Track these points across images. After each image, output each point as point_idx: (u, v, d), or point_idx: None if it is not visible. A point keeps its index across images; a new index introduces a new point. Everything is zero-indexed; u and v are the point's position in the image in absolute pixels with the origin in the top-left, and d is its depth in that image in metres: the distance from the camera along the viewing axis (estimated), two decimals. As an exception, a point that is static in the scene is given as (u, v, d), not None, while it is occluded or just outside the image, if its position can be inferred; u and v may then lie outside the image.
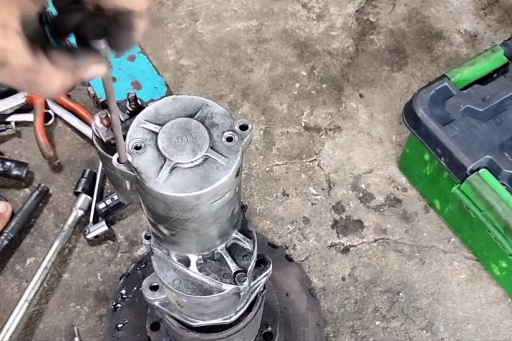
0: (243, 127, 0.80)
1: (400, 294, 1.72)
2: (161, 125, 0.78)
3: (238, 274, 0.95)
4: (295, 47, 2.08)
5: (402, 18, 2.14)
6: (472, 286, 1.74)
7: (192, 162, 0.76)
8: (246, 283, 0.95)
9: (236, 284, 0.95)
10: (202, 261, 0.95)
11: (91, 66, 0.67)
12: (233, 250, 0.97)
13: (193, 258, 0.94)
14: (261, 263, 1.08)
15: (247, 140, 0.80)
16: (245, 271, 0.96)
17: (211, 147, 0.77)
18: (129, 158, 0.75)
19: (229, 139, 0.78)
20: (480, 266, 1.76)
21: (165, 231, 0.87)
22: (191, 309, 1.04)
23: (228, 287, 0.95)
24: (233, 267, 0.95)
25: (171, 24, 2.11)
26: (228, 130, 0.79)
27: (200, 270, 0.95)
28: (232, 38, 2.09)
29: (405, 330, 1.68)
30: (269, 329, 1.53)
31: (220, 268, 0.96)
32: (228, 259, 0.95)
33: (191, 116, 0.79)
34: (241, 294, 0.98)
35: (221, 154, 0.77)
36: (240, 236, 0.97)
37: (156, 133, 0.77)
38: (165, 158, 0.75)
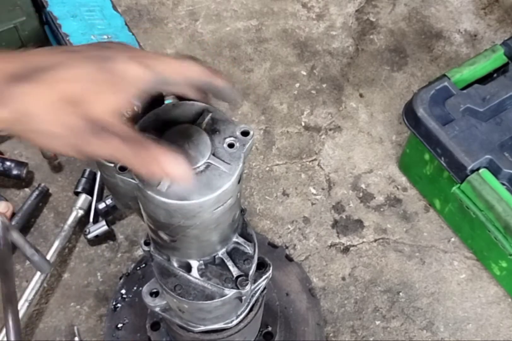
0: (245, 133, 0.79)
1: (400, 294, 1.72)
2: (163, 131, 0.78)
3: (239, 278, 0.95)
4: (295, 47, 2.08)
5: (402, 18, 2.14)
6: (472, 285, 1.74)
7: (194, 169, 0.75)
8: (248, 287, 0.95)
9: (238, 288, 0.94)
10: (203, 266, 0.95)
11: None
12: (234, 254, 0.97)
13: (194, 264, 0.94)
14: (261, 266, 1.08)
15: (249, 146, 0.79)
16: (246, 275, 0.96)
17: (213, 154, 0.77)
18: None
19: (231, 145, 0.78)
20: (480, 265, 1.76)
21: (165, 237, 0.86)
22: (193, 314, 1.04)
23: (230, 292, 0.95)
24: (234, 271, 0.95)
25: (171, 24, 2.11)
26: (230, 137, 0.79)
27: (201, 275, 0.94)
28: (232, 38, 2.09)
29: (405, 330, 1.68)
30: (269, 329, 1.53)
31: (221, 272, 0.95)
32: (229, 264, 0.95)
33: (192, 122, 0.79)
34: (243, 298, 0.98)
35: (223, 161, 0.76)
36: (240, 240, 0.97)
37: (157, 140, 0.77)
38: None
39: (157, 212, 0.78)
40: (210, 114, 0.80)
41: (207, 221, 0.81)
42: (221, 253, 0.95)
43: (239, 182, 0.80)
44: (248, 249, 0.98)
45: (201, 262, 0.94)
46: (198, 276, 0.94)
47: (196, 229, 0.82)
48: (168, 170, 0.68)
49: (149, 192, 0.74)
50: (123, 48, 0.73)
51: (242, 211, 0.99)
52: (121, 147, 0.67)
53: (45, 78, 0.67)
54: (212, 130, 0.79)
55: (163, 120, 0.79)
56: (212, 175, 0.76)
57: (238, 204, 0.88)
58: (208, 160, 0.76)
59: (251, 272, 0.97)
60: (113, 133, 0.67)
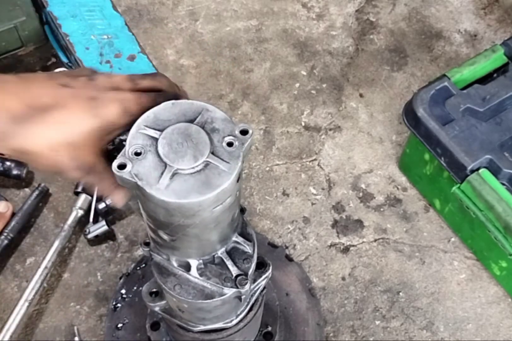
0: (244, 132, 0.79)
1: (400, 293, 1.72)
2: (161, 130, 0.77)
3: (239, 278, 0.95)
4: (295, 47, 2.08)
5: (402, 18, 2.14)
6: (472, 285, 1.74)
7: (193, 168, 0.75)
8: (247, 286, 0.95)
9: (237, 287, 0.94)
10: (202, 266, 0.95)
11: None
12: (233, 253, 0.97)
13: (194, 263, 0.94)
14: (261, 265, 1.07)
15: (248, 145, 0.79)
16: (246, 274, 0.96)
17: (212, 153, 0.77)
18: (129, 165, 0.75)
19: (230, 144, 0.78)
20: (480, 265, 1.76)
21: (165, 237, 0.86)
22: (192, 314, 1.04)
23: (229, 291, 0.95)
24: (234, 270, 0.95)
25: (171, 24, 2.11)
26: (229, 135, 0.78)
27: (201, 275, 0.94)
28: (232, 38, 2.09)
29: (405, 329, 1.68)
30: (269, 328, 1.53)
31: (221, 272, 0.95)
32: (229, 263, 0.95)
33: (191, 121, 0.79)
34: (242, 297, 0.98)
35: (222, 159, 0.76)
36: (240, 239, 0.97)
37: (156, 139, 0.77)
38: (165, 165, 0.75)
39: (157, 211, 0.78)
40: (209, 113, 0.80)
41: (206, 219, 0.81)
42: (220, 252, 0.95)
43: (238, 180, 0.80)
44: (248, 248, 0.98)
45: (201, 261, 0.94)
46: (197, 275, 0.94)
47: (196, 228, 0.82)
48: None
49: (148, 191, 0.74)
50: (104, 82, 0.83)
51: (242, 210, 0.99)
52: (98, 183, 0.84)
53: (47, 120, 0.77)
54: (211, 129, 0.79)
55: (162, 119, 0.79)
56: (211, 174, 0.76)
57: (237, 203, 0.88)
58: (207, 159, 0.76)
59: (250, 271, 0.97)
60: (95, 174, 0.82)
